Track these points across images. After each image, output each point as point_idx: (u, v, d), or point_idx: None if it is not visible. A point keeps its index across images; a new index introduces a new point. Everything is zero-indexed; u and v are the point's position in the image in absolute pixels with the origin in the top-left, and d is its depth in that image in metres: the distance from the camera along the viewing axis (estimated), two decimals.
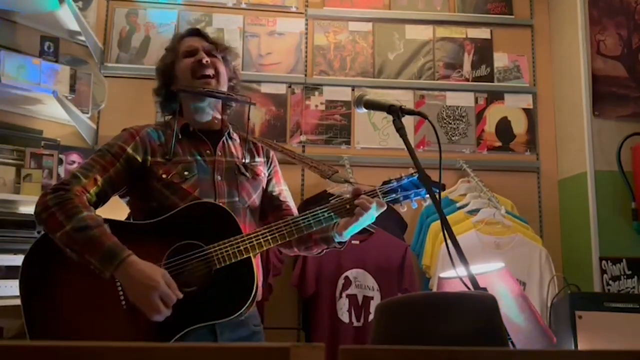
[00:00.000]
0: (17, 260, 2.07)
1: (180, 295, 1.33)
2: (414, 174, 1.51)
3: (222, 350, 0.54)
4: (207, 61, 1.57)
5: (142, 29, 2.95)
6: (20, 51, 2.45)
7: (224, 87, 1.62)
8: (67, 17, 2.53)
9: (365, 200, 1.47)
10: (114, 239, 1.33)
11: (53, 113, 2.54)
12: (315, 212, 1.48)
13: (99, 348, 0.52)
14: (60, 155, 2.48)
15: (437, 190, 1.47)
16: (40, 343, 0.51)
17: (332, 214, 1.49)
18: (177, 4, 2.99)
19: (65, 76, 2.44)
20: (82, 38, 2.69)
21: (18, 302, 1.35)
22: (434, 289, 2.43)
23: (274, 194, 1.68)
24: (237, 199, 1.52)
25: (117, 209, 1.50)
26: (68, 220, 1.32)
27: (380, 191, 1.52)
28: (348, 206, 1.49)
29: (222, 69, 1.62)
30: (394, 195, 1.52)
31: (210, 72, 1.57)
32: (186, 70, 1.57)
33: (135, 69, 2.87)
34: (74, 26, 2.59)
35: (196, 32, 1.67)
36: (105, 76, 2.85)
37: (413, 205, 1.54)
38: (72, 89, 2.47)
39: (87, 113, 2.66)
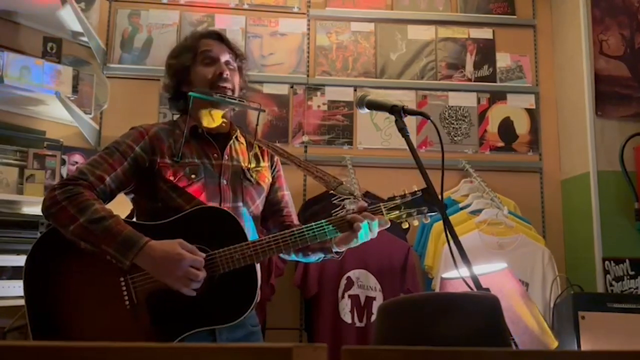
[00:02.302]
0: (21, 260, 2.07)
1: (203, 255, 1.35)
2: (418, 192, 1.49)
3: (224, 350, 0.54)
4: (227, 75, 1.57)
5: (144, 29, 2.96)
6: (23, 52, 2.46)
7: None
8: (70, 18, 2.53)
9: (368, 218, 1.46)
10: (130, 228, 1.34)
11: (56, 114, 2.54)
12: (320, 225, 1.47)
13: (101, 348, 0.52)
14: (63, 156, 2.49)
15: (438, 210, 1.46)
16: (43, 343, 0.51)
17: (336, 227, 1.48)
18: (180, 5, 3.00)
19: (68, 77, 2.45)
20: (85, 39, 2.69)
21: (22, 302, 1.36)
22: (437, 290, 2.43)
23: (276, 199, 1.68)
24: (240, 203, 1.53)
25: (119, 207, 1.50)
26: (81, 212, 1.32)
27: (384, 207, 1.49)
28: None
29: (237, 80, 1.63)
30: (397, 212, 1.49)
31: (229, 86, 1.58)
32: (204, 79, 1.57)
33: (137, 70, 2.87)
34: (76, 27, 2.60)
35: (217, 37, 1.65)
36: (108, 77, 2.86)
37: (415, 223, 1.51)
38: (75, 89, 2.48)
39: (90, 114, 2.67)
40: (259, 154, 1.67)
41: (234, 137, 1.61)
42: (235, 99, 1.59)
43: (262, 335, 2.49)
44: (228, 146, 1.59)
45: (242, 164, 1.59)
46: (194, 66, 1.60)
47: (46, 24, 2.58)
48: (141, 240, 1.32)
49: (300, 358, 0.51)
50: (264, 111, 1.71)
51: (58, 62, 2.47)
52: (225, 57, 1.61)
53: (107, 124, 2.81)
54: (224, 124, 1.63)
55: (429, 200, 1.47)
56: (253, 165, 1.62)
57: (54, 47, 2.48)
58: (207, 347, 0.53)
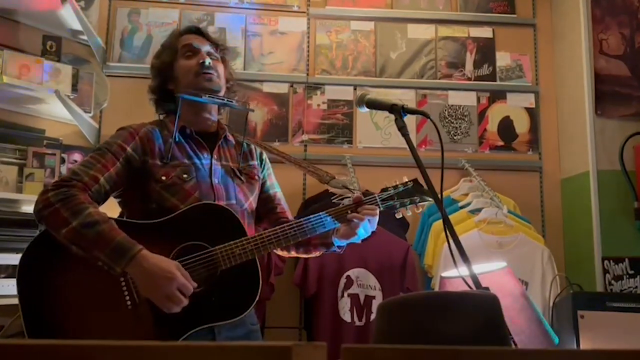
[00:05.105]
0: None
1: (195, 285, 1.33)
2: (409, 182, 1.57)
3: (224, 349, 0.54)
4: (209, 63, 1.57)
5: (144, 28, 2.95)
6: (22, 51, 2.45)
7: (223, 88, 1.62)
8: (70, 17, 2.53)
9: (368, 215, 1.51)
10: (123, 234, 1.32)
11: (55, 112, 2.54)
12: (319, 217, 1.50)
13: (101, 347, 0.52)
14: (63, 155, 2.49)
15: (430, 200, 1.57)
16: (42, 342, 0.51)
17: (334, 219, 1.51)
18: (179, 3, 3.00)
19: (68, 75, 2.45)
20: (85, 37, 2.69)
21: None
22: (436, 289, 2.43)
23: (269, 196, 1.68)
24: (234, 201, 1.52)
25: (110, 209, 1.50)
26: (74, 216, 1.30)
27: (379, 198, 1.56)
28: (350, 212, 1.53)
29: (222, 70, 1.63)
30: (391, 202, 1.56)
31: (213, 74, 1.57)
32: (188, 72, 1.56)
33: (137, 69, 2.87)
34: (76, 25, 2.60)
35: (196, 30, 1.66)
36: (108, 75, 2.85)
37: (407, 213, 1.58)
38: (75, 88, 2.48)
39: (90, 112, 2.67)
40: (247, 152, 1.67)
41: (222, 137, 1.61)
42: (224, 99, 1.59)
43: (262, 334, 2.51)
44: (217, 146, 1.58)
45: (232, 164, 1.59)
46: (177, 61, 1.59)
47: (46, 22, 2.58)
48: (134, 248, 1.30)
49: (300, 357, 0.51)
50: (252, 110, 1.73)
51: (58, 60, 2.47)
52: (206, 48, 1.61)
53: (106, 123, 2.81)
54: (212, 123, 1.62)
55: (420, 189, 1.55)
56: (242, 164, 1.62)
57: (53, 46, 2.48)
58: (207, 345, 0.53)
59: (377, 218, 1.53)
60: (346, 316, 2.49)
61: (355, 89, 2.99)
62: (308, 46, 3.02)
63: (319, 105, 2.98)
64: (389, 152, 2.93)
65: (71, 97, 2.45)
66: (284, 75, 2.97)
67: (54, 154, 2.40)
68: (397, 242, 2.59)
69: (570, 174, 2.92)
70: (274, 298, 2.53)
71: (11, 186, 2.27)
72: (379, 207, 1.55)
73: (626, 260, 2.62)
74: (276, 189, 1.71)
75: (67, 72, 2.45)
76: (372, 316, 2.47)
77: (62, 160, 2.47)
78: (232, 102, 1.62)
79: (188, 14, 2.99)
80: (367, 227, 1.51)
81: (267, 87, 2.96)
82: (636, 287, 2.60)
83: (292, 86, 2.98)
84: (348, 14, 3.07)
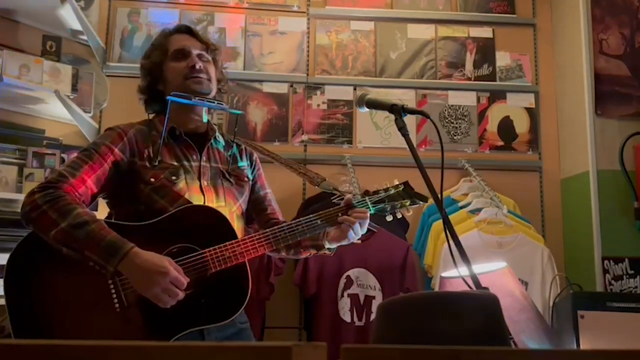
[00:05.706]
0: None
1: (188, 279, 1.33)
2: (400, 185, 1.58)
3: (223, 349, 0.54)
4: (200, 66, 1.55)
5: (144, 28, 2.95)
6: (22, 50, 2.45)
7: (214, 90, 1.60)
8: (69, 17, 2.53)
9: (359, 218, 1.50)
10: (114, 233, 1.31)
11: (55, 112, 2.54)
12: (309, 220, 1.49)
13: (100, 347, 0.52)
14: (63, 155, 2.48)
15: (420, 203, 1.57)
16: (39, 342, 0.51)
17: (324, 222, 1.51)
18: (179, 3, 2.99)
19: (68, 75, 2.45)
20: (84, 37, 2.69)
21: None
22: (436, 289, 2.43)
23: (260, 198, 1.68)
24: (223, 203, 1.51)
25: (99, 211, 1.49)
26: (63, 217, 1.29)
27: (369, 201, 1.55)
28: (340, 214, 1.52)
29: (213, 72, 1.61)
30: (382, 205, 1.56)
31: (204, 77, 1.56)
32: (178, 74, 1.55)
33: (137, 69, 2.83)
34: (76, 25, 2.60)
35: (186, 30, 1.64)
36: (107, 75, 2.85)
37: (398, 215, 1.58)
38: (74, 88, 2.48)
39: (89, 112, 2.67)
40: (236, 154, 1.65)
41: (212, 139, 1.60)
42: (214, 101, 1.58)
43: (262, 334, 2.51)
44: (206, 147, 1.57)
45: (220, 165, 1.58)
46: (166, 63, 1.58)
47: (46, 22, 2.58)
48: (126, 246, 1.28)
49: (300, 357, 0.51)
50: (242, 113, 1.72)
51: (57, 60, 2.47)
52: (197, 50, 1.59)
53: (106, 123, 2.80)
54: (200, 124, 1.61)
55: (410, 192, 1.56)
56: (232, 165, 1.60)
57: (53, 46, 2.48)
58: (206, 345, 0.53)
59: (367, 221, 1.52)
60: (346, 316, 2.49)
61: (355, 89, 2.99)
62: (308, 46, 3.02)
63: (318, 105, 2.97)
64: (389, 152, 2.93)
65: (71, 97, 2.45)
66: (283, 75, 2.97)
67: (54, 154, 2.40)
68: (397, 242, 2.59)
69: (570, 174, 2.92)
70: (274, 298, 2.53)
71: (11, 186, 2.26)
72: (370, 210, 1.54)
73: (626, 260, 2.62)
74: (267, 190, 1.70)
75: (67, 72, 2.45)
76: (372, 316, 2.47)
77: (62, 160, 2.47)
78: (222, 104, 1.61)
79: (188, 14, 2.99)
80: (357, 229, 1.50)
81: (267, 87, 2.96)
82: (636, 287, 2.60)
83: (292, 86, 2.98)
84: (348, 14, 3.06)
